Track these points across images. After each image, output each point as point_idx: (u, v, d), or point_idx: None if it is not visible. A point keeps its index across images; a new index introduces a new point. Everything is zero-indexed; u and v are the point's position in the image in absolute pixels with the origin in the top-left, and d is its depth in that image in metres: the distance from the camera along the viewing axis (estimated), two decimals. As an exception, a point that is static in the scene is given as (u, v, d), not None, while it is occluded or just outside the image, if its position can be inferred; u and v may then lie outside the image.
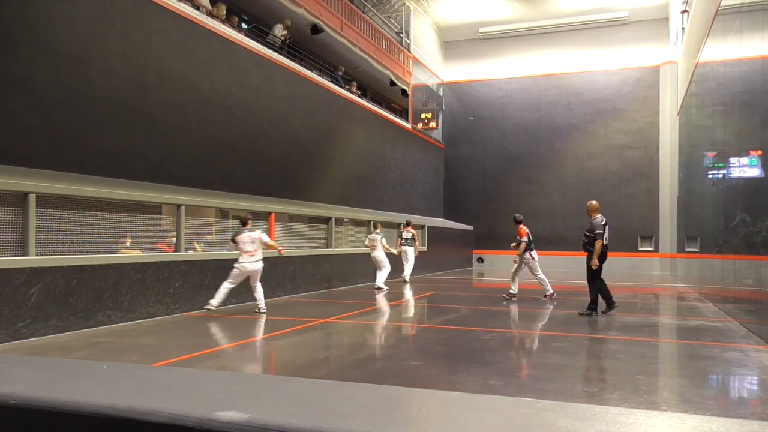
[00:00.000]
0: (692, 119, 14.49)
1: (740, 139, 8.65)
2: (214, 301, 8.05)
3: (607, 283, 8.64)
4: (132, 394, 0.84)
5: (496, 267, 22.19)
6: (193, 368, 5.21)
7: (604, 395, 4.28)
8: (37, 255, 6.31)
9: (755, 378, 5.00)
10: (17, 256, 6.16)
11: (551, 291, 10.78)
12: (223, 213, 10.14)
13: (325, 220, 12.54)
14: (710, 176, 11.46)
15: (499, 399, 0.82)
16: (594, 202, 8.84)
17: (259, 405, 0.79)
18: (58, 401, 0.81)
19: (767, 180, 7.10)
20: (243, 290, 9.51)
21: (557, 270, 20.93)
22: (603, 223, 8.42)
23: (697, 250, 13.37)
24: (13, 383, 0.88)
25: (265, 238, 8.25)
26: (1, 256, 6.01)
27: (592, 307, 8.56)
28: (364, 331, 7.69)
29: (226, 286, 8.14)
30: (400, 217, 17.05)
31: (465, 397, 0.85)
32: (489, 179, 23.20)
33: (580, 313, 8.59)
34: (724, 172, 9.75)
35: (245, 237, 8.13)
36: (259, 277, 8.30)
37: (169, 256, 8.15)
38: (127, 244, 7.63)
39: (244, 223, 8.29)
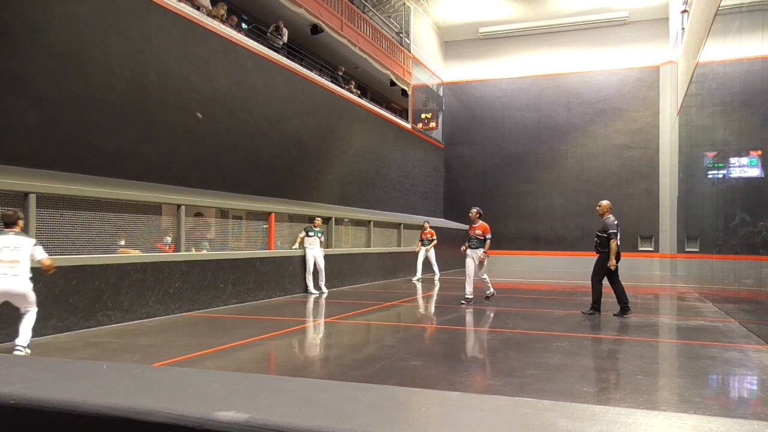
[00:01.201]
0: (692, 119, 14.49)
1: (740, 139, 8.66)
2: (19, 340, 5.40)
3: (605, 283, 8.57)
4: (132, 394, 0.83)
5: (496, 267, 22.20)
6: (193, 368, 5.20)
7: (604, 395, 4.28)
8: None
9: (755, 378, 5.00)
10: (17, 256, 6.14)
11: (492, 291, 10.16)
12: (223, 213, 10.15)
13: (325, 221, 12.53)
14: (710, 176, 11.46)
15: (499, 399, 0.82)
16: (605, 201, 8.64)
17: (259, 405, 0.79)
18: (58, 401, 0.81)
19: (767, 180, 7.10)
20: (243, 290, 9.51)
21: (557, 270, 20.94)
22: (616, 222, 8.27)
23: (697, 250, 13.37)
24: (13, 383, 0.88)
25: (40, 253, 5.49)
26: (1, 256, 6.00)
27: (596, 307, 8.43)
28: (364, 331, 7.69)
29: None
30: (401, 218, 17.06)
31: (465, 397, 0.85)
32: (489, 179, 23.20)
33: (583, 312, 8.52)
34: (724, 172, 9.75)
35: (5, 240, 5.40)
36: (26, 302, 5.42)
37: (169, 256, 8.15)
38: (122, 243, 7.62)
39: (8, 223, 5.51)
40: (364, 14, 17.63)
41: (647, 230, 21.03)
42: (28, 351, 5.49)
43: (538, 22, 22.02)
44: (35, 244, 5.58)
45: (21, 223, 5.68)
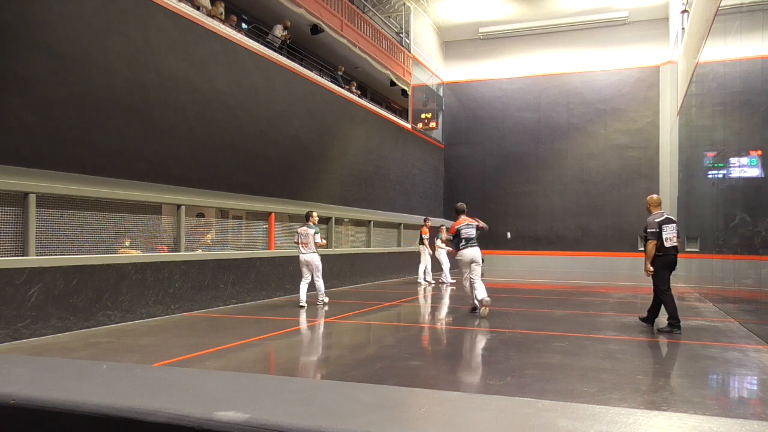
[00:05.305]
0: (692, 119, 14.49)
1: (740, 139, 8.66)
2: None
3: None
4: (132, 394, 0.83)
5: (496, 267, 22.19)
6: (193, 368, 5.21)
7: (604, 395, 4.28)
8: (37, 255, 6.31)
9: (755, 378, 5.00)
10: (17, 256, 6.16)
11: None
12: (223, 213, 10.15)
13: (325, 221, 12.54)
14: (710, 176, 11.46)
15: (499, 399, 0.82)
16: (654, 195, 7.57)
17: (259, 405, 0.79)
18: (58, 401, 0.81)
19: (767, 180, 7.10)
20: (243, 290, 9.51)
21: (557, 270, 20.94)
22: (659, 220, 7.09)
23: (697, 250, 13.36)
24: (13, 383, 0.88)
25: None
26: (1, 256, 6.01)
27: (673, 323, 7.11)
28: (364, 331, 7.69)
29: None
30: (401, 218, 17.06)
31: (465, 397, 0.85)
32: (489, 179, 23.20)
33: (660, 330, 7.21)
34: (724, 172, 9.75)
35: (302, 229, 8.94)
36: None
37: (169, 256, 8.15)
38: (127, 243, 7.63)
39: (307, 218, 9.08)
40: (364, 14, 17.63)
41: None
42: None
43: (538, 22, 22.01)
44: (316, 232, 9.01)
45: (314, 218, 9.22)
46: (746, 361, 5.56)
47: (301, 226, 9.21)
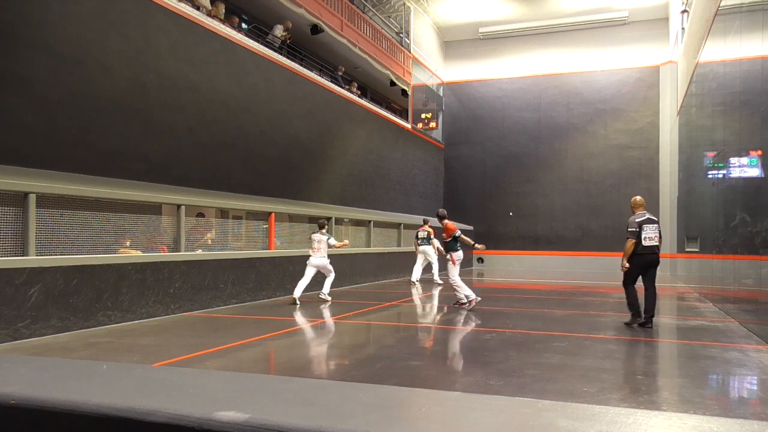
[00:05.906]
0: (692, 119, 14.49)
1: (740, 139, 8.66)
2: None
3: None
4: (132, 394, 0.84)
5: (497, 267, 22.20)
6: (193, 368, 5.20)
7: (604, 395, 4.28)
8: (37, 255, 6.30)
9: (755, 378, 5.00)
10: (17, 256, 6.16)
11: (464, 300, 9.23)
12: (223, 213, 10.15)
13: (325, 221, 12.52)
14: (710, 176, 11.46)
15: (499, 399, 0.82)
16: (637, 197, 7.72)
17: (259, 405, 0.79)
18: (58, 401, 0.81)
19: (767, 180, 7.10)
20: (243, 290, 9.51)
21: (557, 270, 20.94)
22: (639, 220, 7.28)
23: (697, 250, 13.37)
24: (13, 383, 0.88)
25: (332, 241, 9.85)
26: (1, 256, 6.01)
27: (633, 312, 7.46)
28: (364, 331, 7.69)
29: None
30: (401, 218, 17.05)
31: (465, 397, 0.85)
32: (489, 179, 23.20)
33: (639, 324, 7.40)
34: (724, 172, 9.75)
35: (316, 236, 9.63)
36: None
37: (169, 256, 8.15)
38: (127, 244, 7.63)
39: (321, 226, 9.86)
40: (364, 14, 17.63)
41: (647, 230, 20.99)
42: None
43: (538, 22, 22.02)
44: (328, 238, 9.54)
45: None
46: (746, 361, 5.56)
47: (314, 233, 9.78)
